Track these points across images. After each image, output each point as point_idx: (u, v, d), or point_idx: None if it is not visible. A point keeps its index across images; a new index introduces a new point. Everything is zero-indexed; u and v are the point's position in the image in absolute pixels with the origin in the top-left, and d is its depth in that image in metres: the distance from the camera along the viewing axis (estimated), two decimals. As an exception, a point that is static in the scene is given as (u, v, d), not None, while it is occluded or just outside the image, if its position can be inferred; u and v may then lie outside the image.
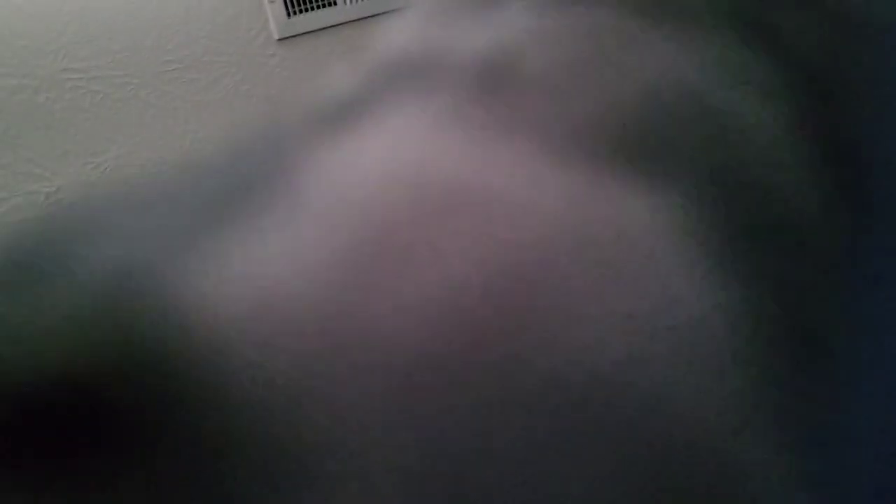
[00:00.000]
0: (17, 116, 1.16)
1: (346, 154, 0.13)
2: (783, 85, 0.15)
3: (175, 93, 1.25)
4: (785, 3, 0.17)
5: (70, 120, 1.19)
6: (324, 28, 1.32)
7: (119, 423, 0.09)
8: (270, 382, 0.10)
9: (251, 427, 0.09)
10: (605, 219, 0.13)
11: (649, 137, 0.14)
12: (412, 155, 0.13)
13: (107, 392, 0.09)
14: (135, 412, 0.09)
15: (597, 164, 0.13)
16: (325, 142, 0.13)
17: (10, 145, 1.17)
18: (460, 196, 0.12)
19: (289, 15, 1.30)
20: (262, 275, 0.11)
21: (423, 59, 0.15)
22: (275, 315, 0.10)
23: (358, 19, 1.35)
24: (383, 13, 1.36)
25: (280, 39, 1.30)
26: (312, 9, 1.31)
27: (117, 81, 1.21)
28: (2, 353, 0.09)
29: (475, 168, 0.13)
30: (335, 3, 1.32)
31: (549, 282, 0.12)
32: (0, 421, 0.08)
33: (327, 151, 0.13)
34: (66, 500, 0.08)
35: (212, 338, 0.10)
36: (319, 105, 0.15)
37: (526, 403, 0.10)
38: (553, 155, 0.13)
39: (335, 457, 0.10)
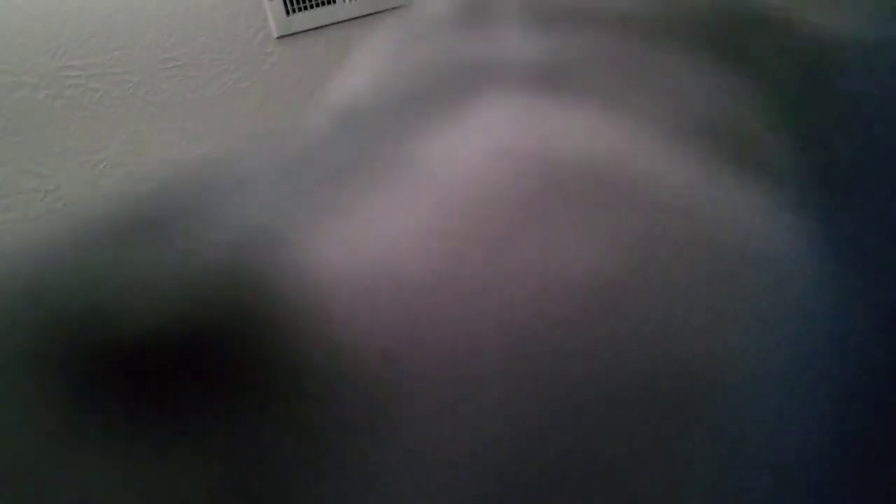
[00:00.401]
0: (16, 114, 1.15)
1: (456, 133, 0.13)
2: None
3: (174, 91, 1.25)
4: (757, 28, 0.17)
5: (69, 118, 1.18)
6: (323, 26, 1.32)
7: (221, 372, 0.09)
8: (369, 359, 0.10)
9: (340, 398, 0.10)
10: (719, 213, 0.13)
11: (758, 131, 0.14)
12: (519, 135, 0.13)
13: (218, 345, 0.09)
14: (239, 367, 0.09)
15: (704, 157, 0.13)
16: (431, 124, 0.13)
17: (9, 143, 1.16)
18: (576, 176, 0.12)
19: (288, 13, 1.30)
20: (375, 252, 0.11)
21: (471, 61, 0.15)
22: (385, 293, 0.10)
23: (357, 17, 1.35)
24: (383, 11, 1.37)
25: (279, 37, 1.30)
26: (312, 6, 1.31)
27: (116, 79, 1.20)
28: (138, 302, 0.09)
29: (586, 147, 0.13)
30: (334, 1, 1.33)
31: (661, 277, 0.11)
32: (133, 358, 0.09)
33: (435, 133, 0.13)
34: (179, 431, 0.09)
35: (320, 313, 0.10)
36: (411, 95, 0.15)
37: (625, 403, 0.10)
38: (662, 143, 0.13)
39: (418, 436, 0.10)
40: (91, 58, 1.18)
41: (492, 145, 0.12)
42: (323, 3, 1.32)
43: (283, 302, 0.10)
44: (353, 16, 1.34)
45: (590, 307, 0.11)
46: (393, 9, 1.46)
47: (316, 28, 1.33)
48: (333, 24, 1.35)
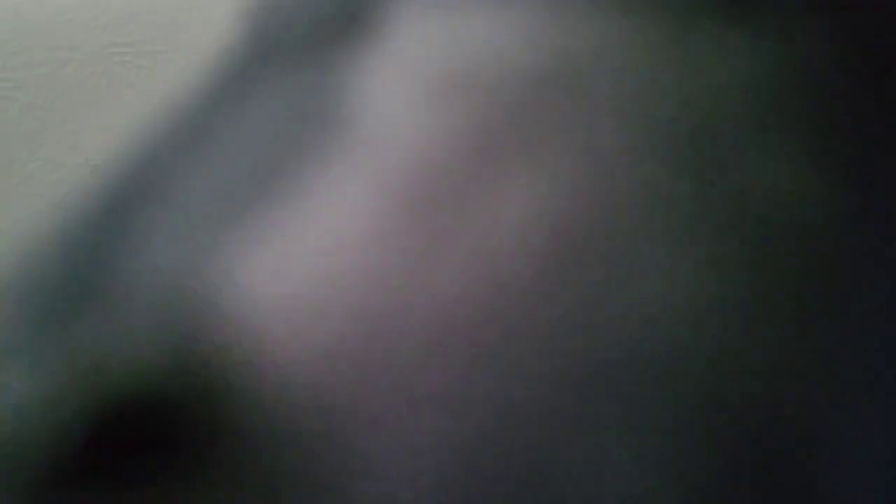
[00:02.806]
0: (65, 90, 1.20)
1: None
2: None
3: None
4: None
5: (116, 95, 1.21)
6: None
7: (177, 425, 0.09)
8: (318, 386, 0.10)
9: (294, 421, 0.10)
10: (714, 78, 0.11)
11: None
12: (449, 59, 0.12)
13: (175, 406, 0.10)
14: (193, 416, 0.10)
15: (677, 22, 0.12)
16: (345, 57, 0.12)
17: (58, 118, 1.19)
18: (519, 91, 0.11)
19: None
20: (315, 252, 0.10)
21: None
22: (330, 308, 0.10)
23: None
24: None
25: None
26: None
27: (161, 57, 1.24)
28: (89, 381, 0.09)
29: (519, 53, 0.12)
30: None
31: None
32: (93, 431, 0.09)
33: (356, 69, 0.12)
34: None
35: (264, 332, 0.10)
36: (314, 12, 0.14)
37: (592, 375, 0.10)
38: (617, 14, 0.12)
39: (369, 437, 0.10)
40: (137, 34, 1.23)
41: (417, 77, 0.11)
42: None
43: (220, 354, 0.10)
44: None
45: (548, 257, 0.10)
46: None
47: None
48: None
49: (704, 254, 0.10)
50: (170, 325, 0.10)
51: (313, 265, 0.10)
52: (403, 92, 0.11)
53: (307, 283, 0.10)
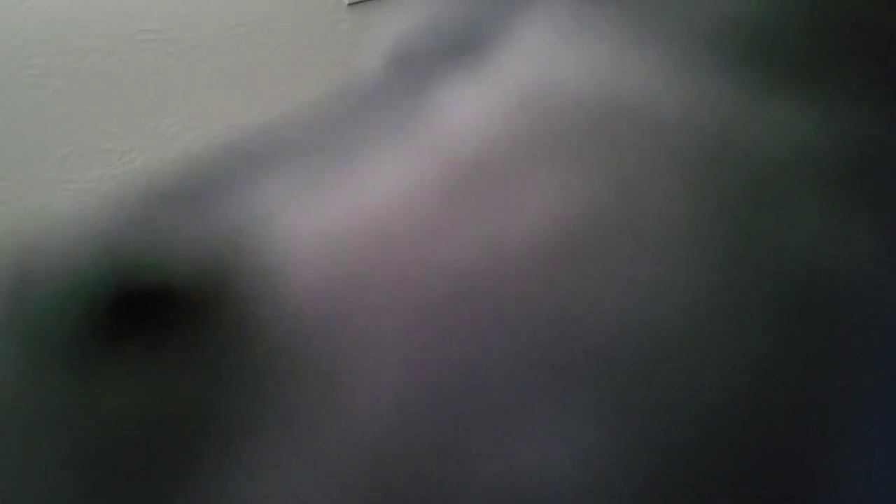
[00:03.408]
0: (92, 77, 1.21)
1: (474, 82, 0.13)
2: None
3: (242, 56, 1.27)
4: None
5: (143, 82, 1.22)
6: (387, -14, 1.34)
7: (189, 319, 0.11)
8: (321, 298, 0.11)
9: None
10: (770, 142, 0.12)
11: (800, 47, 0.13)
12: (532, 80, 0.13)
13: (196, 301, 0.11)
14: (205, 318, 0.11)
15: (746, 77, 0.13)
16: (448, 73, 0.14)
17: (87, 104, 1.21)
18: (586, 120, 0.12)
19: (356, -22, 1.33)
20: (361, 210, 0.12)
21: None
22: (370, 250, 0.11)
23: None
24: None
25: (350, 4, 1.32)
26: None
27: (187, 44, 1.25)
28: (146, 259, 0.11)
29: (603, 83, 0.13)
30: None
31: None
32: (128, 301, 0.11)
33: (450, 82, 0.14)
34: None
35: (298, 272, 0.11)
36: (441, 40, 0.16)
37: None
38: (694, 63, 0.13)
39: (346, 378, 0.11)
40: (165, 22, 1.24)
41: (514, 105, 0.13)
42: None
43: (266, 264, 0.11)
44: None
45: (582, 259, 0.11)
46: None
47: (384, -6, 1.35)
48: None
49: (721, 297, 0.11)
50: (213, 238, 0.11)
51: (354, 219, 0.11)
52: (485, 102, 0.13)
53: (343, 229, 0.11)
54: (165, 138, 1.23)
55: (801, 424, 0.11)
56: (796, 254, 0.11)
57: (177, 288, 0.11)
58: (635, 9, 0.14)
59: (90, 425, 0.10)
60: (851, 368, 0.11)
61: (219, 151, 0.14)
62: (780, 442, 0.11)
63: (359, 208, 0.12)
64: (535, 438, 0.10)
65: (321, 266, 0.11)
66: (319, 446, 0.10)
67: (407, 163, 0.12)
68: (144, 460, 0.10)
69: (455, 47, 0.14)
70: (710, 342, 0.11)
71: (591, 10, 0.14)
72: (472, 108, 0.13)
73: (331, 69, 1.32)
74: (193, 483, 0.10)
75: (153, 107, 1.22)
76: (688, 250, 0.11)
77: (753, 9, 0.13)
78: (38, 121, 1.20)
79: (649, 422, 0.10)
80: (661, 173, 0.12)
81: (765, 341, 0.11)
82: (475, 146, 0.12)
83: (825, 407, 0.11)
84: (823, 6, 0.13)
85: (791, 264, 0.11)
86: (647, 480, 0.10)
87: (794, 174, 0.12)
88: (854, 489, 0.11)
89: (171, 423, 0.10)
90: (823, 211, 0.12)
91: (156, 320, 0.11)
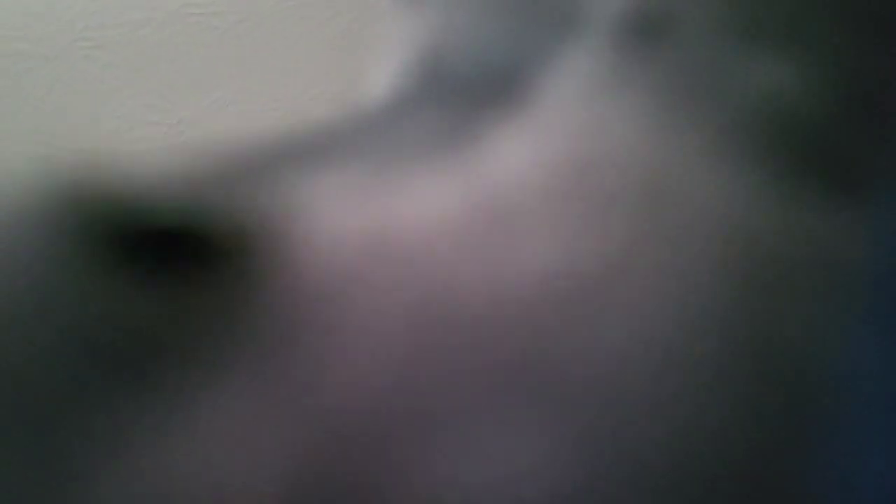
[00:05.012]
0: (142, 50, 1.23)
1: (514, 130, 0.14)
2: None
3: (288, 31, 1.27)
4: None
5: (190, 55, 1.23)
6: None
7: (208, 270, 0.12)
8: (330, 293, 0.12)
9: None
10: (799, 237, 0.12)
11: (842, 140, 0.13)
12: (571, 132, 0.13)
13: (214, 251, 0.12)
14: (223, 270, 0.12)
15: (779, 167, 0.13)
16: (489, 108, 0.14)
17: (135, 78, 1.23)
18: (615, 180, 0.13)
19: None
20: (390, 219, 0.12)
21: (563, 13, 0.16)
22: (389, 252, 0.12)
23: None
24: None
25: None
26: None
27: (234, 18, 1.25)
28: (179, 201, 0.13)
29: (641, 152, 0.13)
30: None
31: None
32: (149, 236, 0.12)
33: (492, 119, 0.14)
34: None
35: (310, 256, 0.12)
36: (478, 64, 0.16)
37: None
38: (730, 145, 0.13)
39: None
40: (211, -4, 1.25)
41: (548, 152, 0.13)
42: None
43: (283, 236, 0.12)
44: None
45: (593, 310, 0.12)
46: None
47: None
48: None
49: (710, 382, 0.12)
50: (258, 205, 0.13)
51: (384, 227, 0.12)
52: (524, 148, 0.13)
53: (371, 233, 0.12)
54: (212, 112, 1.24)
55: (760, 462, 0.11)
56: (782, 340, 0.12)
57: (209, 231, 0.12)
58: (675, 74, 0.14)
59: (99, 311, 0.11)
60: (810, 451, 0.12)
61: (277, 138, 0.15)
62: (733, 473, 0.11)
63: (387, 214, 0.12)
64: (490, 445, 0.11)
65: (337, 251, 0.12)
66: (293, 393, 0.11)
67: (442, 185, 0.13)
68: (126, 347, 0.11)
69: (496, 78, 0.15)
70: (690, 394, 0.11)
71: (632, 67, 0.14)
72: (511, 151, 0.13)
73: (379, 43, 1.31)
74: (161, 384, 0.11)
75: (200, 80, 1.23)
76: (682, 315, 0.12)
77: (787, 92, 0.14)
78: (89, 93, 1.22)
79: (608, 448, 0.11)
80: (672, 244, 0.12)
81: (737, 407, 0.11)
82: (508, 184, 0.13)
83: (782, 453, 0.11)
84: (855, 86, 0.14)
85: (775, 347, 0.12)
86: (601, 495, 0.11)
87: (799, 266, 0.12)
88: None
89: (161, 327, 0.11)
90: (816, 307, 0.12)
91: (181, 250, 0.12)
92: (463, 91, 0.15)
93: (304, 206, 0.13)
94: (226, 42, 1.24)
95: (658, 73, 0.14)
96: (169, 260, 0.12)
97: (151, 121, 1.23)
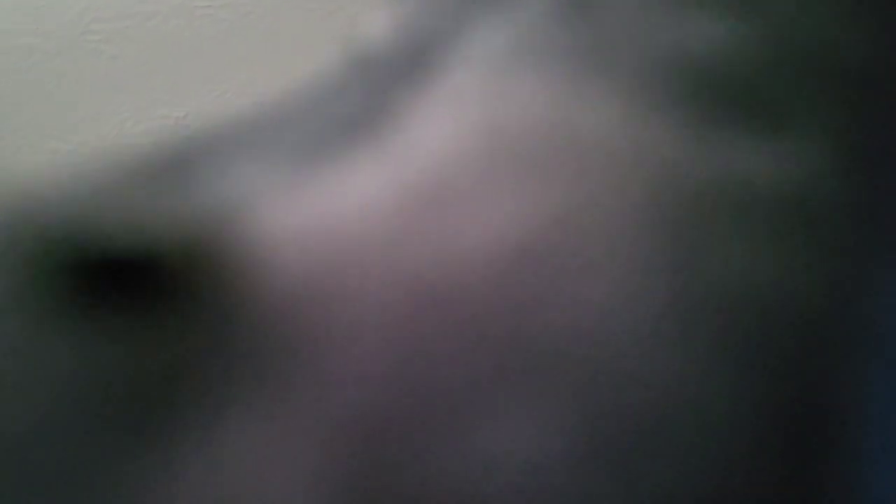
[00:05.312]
0: (149, 43, 1.23)
1: (432, 100, 0.14)
2: None
3: (295, 24, 1.27)
4: None
5: (198, 48, 1.23)
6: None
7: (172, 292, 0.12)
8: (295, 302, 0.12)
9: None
10: (717, 174, 0.13)
11: (766, 85, 0.13)
12: (490, 100, 0.13)
13: (174, 273, 0.12)
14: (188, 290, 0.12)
15: (699, 112, 0.13)
16: (410, 86, 0.14)
17: (143, 70, 1.23)
18: (540, 144, 0.13)
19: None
20: (332, 211, 0.12)
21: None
22: (331, 252, 0.12)
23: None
24: None
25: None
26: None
27: (241, 10, 1.25)
28: (120, 228, 0.12)
29: (558, 109, 0.13)
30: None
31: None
32: (102, 269, 0.12)
33: (413, 97, 0.14)
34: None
35: (272, 257, 0.12)
36: (400, 47, 0.16)
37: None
38: (649, 97, 0.13)
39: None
40: (218, -12, 1.24)
41: (469, 121, 0.13)
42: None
43: (238, 245, 0.12)
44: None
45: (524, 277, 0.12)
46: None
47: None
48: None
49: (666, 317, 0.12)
50: (194, 212, 0.12)
51: (327, 214, 0.12)
52: (445, 120, 0.13)
53: (317, 223, 0.12)
54: (220, 105, 1.25)
55: (737, 429, 0.11)
56: (730, 283, 0.12)
57: (156, 255, 0.12)
58: (595, 32, 0.14)
59: (74, 367, 0.11)
60: (777, 393, 0.12)
61: (203, 132, 0.14)
62: (724, 447, 0.11)
63: (331, 203, 0.12)
64: (488, 429, 0.11)
65: (296, 251, 0.12)
66: (288, 403, 0.11)
67: (376, 167, 0.13)
68: (125, 410, 0.11)
69: (412, 53, 0.15)
70: (653, 353, 0.11)
71: (550, 29, 0.14)
72: (433, 124, 0.13)
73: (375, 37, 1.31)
74: (168, 438, 0.11)
75: (208, 73, 1.23)
76: (630, 270, 0.12)
77: (713, 43, 0.14)
78: (97, 87, 1.22)
79: (600, 423, 0.11)
80: (607, 200, 0.12)
81: (701, 355, 0.12)
82: (440, 159, 0.13)
83: (750, 419, 0.12)
84: (785, 40, 0.14)
85: (724, 291, 0.12)
86: (598, 478, 0.11)
87: (738, 210, 0.12)
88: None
89: (151, 379, 0.11)
90: (761, 247, 0.12)
91: (137, 285, 0.12)
92: (380, 69, 0.15)
93: (244, 204, 0.12)
94: (233, 35, 1.24)
95: (581, 37, 0.14)
96: (121, 293, 0.11)
97: (159, 114, 1.24)
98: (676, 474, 0.11)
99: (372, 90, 0.14)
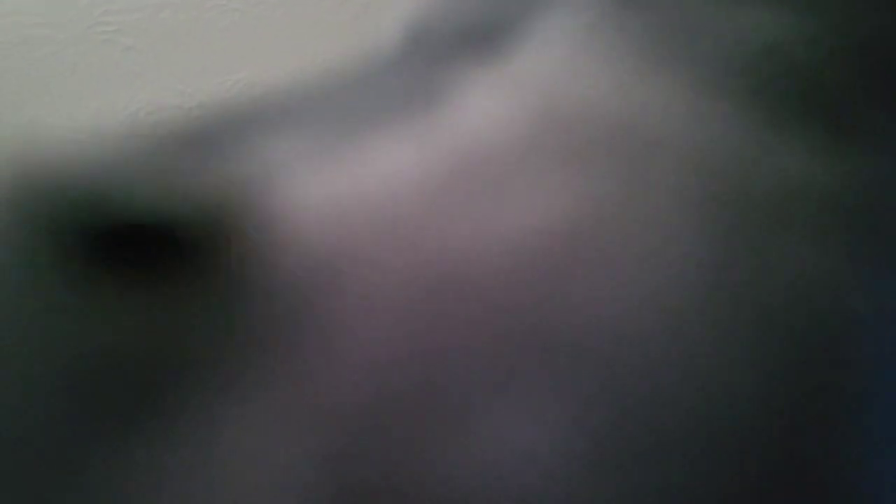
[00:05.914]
0: (161, 34, 1.23)
1: (487, 81, 0.13)
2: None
3: (306, 11, 1.27)
4: None
5: (209, 38, 1.24)
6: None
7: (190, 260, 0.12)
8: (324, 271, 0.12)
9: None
10: (772, 175, 0.12)
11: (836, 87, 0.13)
12: (549, 86, 0.13)
13: (195, 241, 0.12)
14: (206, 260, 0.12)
15: (761, 112, 0.13)
16: (468, 66, 0.14)
17: (156, 61, 1.23)
18: (595, 135, 0.12)
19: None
20: (365, 188, 0.12)
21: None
22: (362, 227, 0.12)
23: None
24: None
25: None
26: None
27: (252, 0, 1.25)
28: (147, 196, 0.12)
29: (620, 99, 0.13)
30: None
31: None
32: (121, 233, 0.12)
33: (469, 77, 0.14)
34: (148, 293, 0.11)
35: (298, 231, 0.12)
36: (462, 27, 0.16)
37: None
38: (712, 93, 0.13)
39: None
40: (229, -22, 1.24)
41: (524, 102, 0.13)
42: None
43: (266, 214, 0.12)
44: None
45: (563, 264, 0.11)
46: None
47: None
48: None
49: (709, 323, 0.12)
50: (220, 182, 0.12)
51: (360, 188, 0.12)
52: (501, 101, 0.13)
53: (348, 197, 0.12)
54: (232, 94, 1.25)
55: (761, 427, 0.11)
56: (777, 282, 0.12)
57: (179, 224, 0.11)
58: (660, 23, 0.14)
59: (82, 337, 0.11)
60: (816, 392, 0.12)
61: (239, 104, 0.14)
62: (747, 441, 0.11)
63: (366, 179, 0.12)
64: (506, 413, 0.11)
65: (322, 226, 0.12)
66: (297, 383, 0.11)
67: (419, 145, 0.12)
68: (133, 378, 0.11)
69: (474, 35, 0.15)
70: (690, 346, 0.11)
71: (615, 19, 0.14)
72: (489, 104, 0.13)
73: (394, 26, 1.31)
74: (175, 405, 0.11)
75: (220, 63, 1.24)
76: (677, 265, 0.11)
77: (778, 39, 0.13)
78: (110, 78, 1.23)
79: (621, 410, 0.11)
80: (661, 192, 0.12)
81: (738, 352, 0.11)
82: (487, 141, 0.12)
83: (782, 415, 0.11)
84: (846, 35, 0.13)
85: (770, 290, 0.12)
86: (615, 464, 0.11)
87: (790, 208, 0.12)
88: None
89: (161, 346, 0.11)
90: (811, 247, 0.12)
91: (157, 251, 0.11)
92: (441, 50, 0.15)
93: (275, 177, 0.12)
94: (244, 24, 1.25)
95: (649, 28, 0.14)
96: (145, 261, 0.11)
97: (172, 104, 1.24)
98: (700, 474, 0.11)
99: (430, 67, 0.14)
